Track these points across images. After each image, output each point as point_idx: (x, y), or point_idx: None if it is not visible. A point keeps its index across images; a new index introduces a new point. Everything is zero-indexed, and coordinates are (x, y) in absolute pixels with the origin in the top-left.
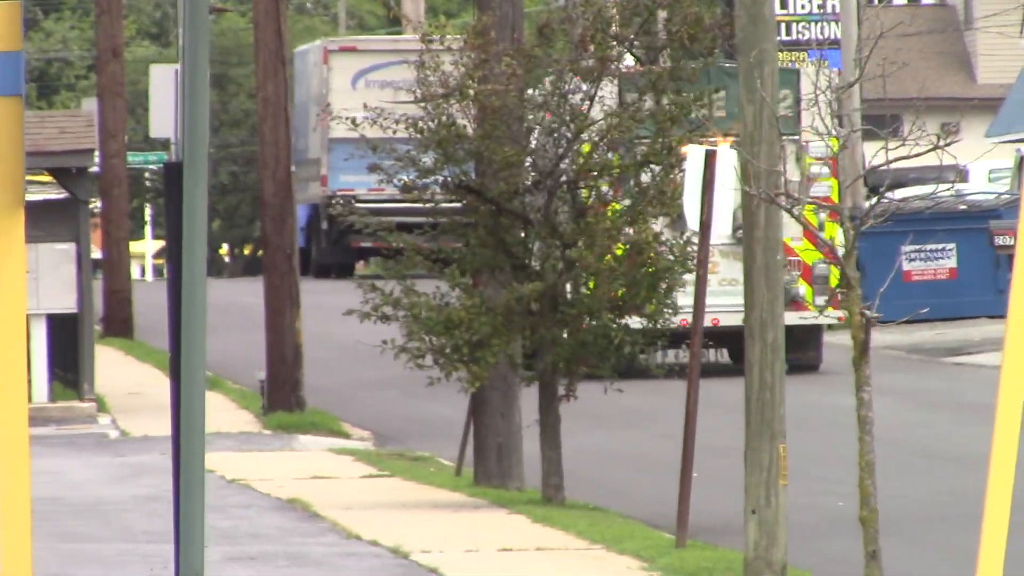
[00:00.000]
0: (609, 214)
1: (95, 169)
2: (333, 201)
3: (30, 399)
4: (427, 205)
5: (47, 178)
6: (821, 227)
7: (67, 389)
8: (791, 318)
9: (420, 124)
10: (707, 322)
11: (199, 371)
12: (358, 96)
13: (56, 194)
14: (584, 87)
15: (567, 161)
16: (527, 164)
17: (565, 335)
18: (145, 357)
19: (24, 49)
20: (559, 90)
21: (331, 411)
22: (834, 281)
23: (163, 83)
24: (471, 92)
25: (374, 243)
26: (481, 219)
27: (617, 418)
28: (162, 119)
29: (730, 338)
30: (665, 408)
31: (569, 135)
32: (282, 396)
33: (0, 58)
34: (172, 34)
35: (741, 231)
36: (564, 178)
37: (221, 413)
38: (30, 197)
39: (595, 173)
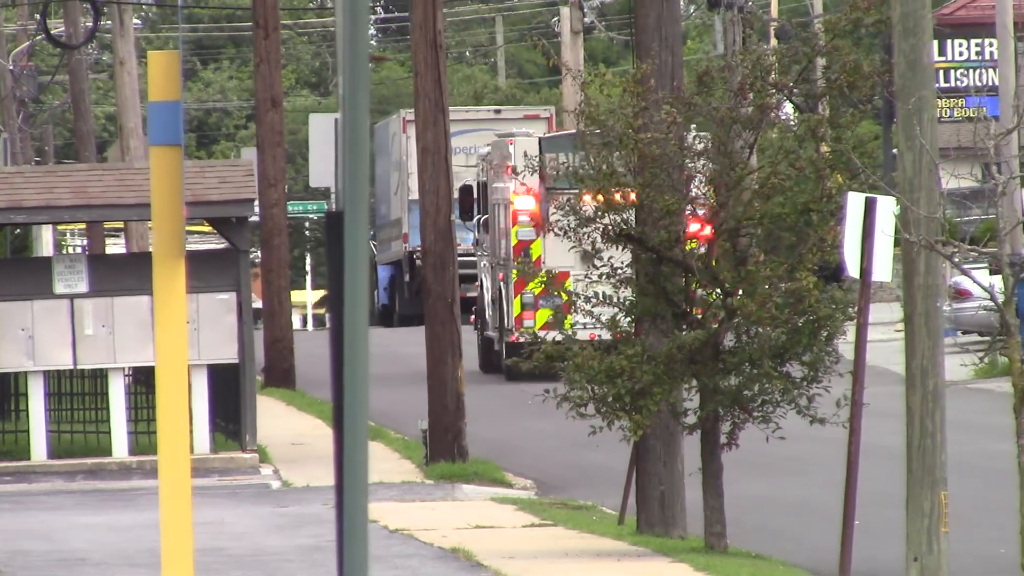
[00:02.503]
0: (765, 262)
1: (255, 218)
2: (414, 256)
3: (192, 450)
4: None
5: (207, 228)
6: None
7: (229, 440)
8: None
9: (580, 172)
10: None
11: (362, 421)
12: None
13: (216, 244)
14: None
15: (727, 209)
16: (687, 212)
17: (728, 383)
18: (306, 407)
19: (183, 99)
20: (719, 138)
21: (493, 460)
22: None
23: (323, 132)
24: (631, 141)
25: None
26: (642, 267)
27: (777, 465)
28: (322, 168)
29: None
30: (823, 455)
31: (729, 183)
32: (444, 445)
33: (160, 108)
34: (331, 83)
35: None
36: (724, 226)
37: (383, 463)
38: (190, 247)
39: (755, 221)
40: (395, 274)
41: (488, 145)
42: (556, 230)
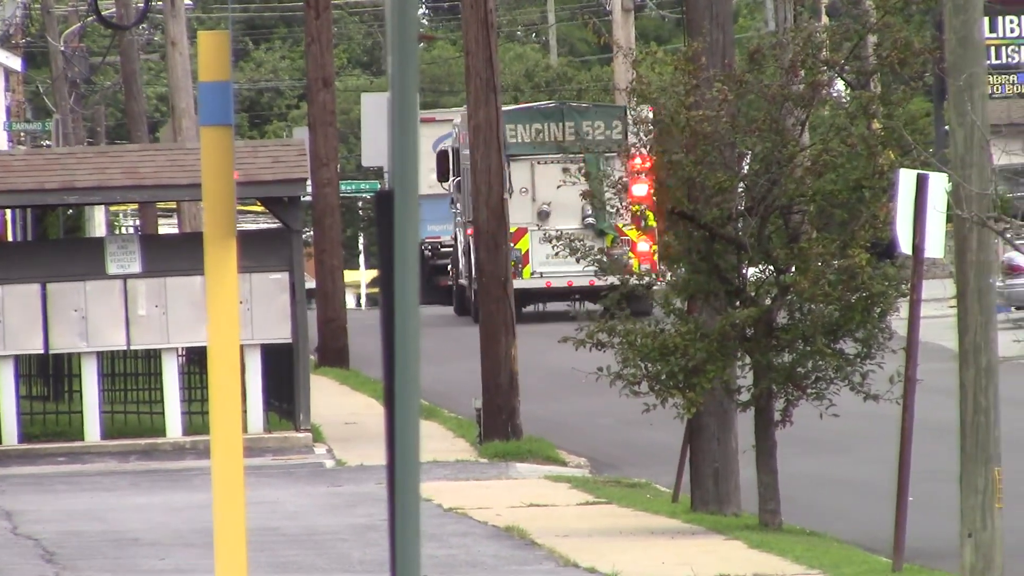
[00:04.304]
0: (819, 239)
1: (307, 198)
2: (422, 247)
3: (246, 429)
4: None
5: (259, 208)
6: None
7: (282, 419)
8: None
9: (632, 151)
10: (563, 283)
11: (414, 400)
12: None
13: (268, 223)
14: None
15: (779, 186)
16: (739, 190)
17: (781, 360)
18: (360, 386)
19: (234, 79)
20: (770, 115)
21: (547, 438)
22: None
23: (374, 112)
24: (682, 119)
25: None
26: (695, 245)
27: (831, 442)
28: (374, 148)
29: (587, 293)
30: (877, 432)
31: (781, 160)
32: (498, 424)
33: (210, 88)
34: (383, 63)
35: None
36: (777, 203)
37: (437, 442)
38: (242, 227)
39: (807, 198)
40: None
41: (460, 115)
42: (608, 207)
